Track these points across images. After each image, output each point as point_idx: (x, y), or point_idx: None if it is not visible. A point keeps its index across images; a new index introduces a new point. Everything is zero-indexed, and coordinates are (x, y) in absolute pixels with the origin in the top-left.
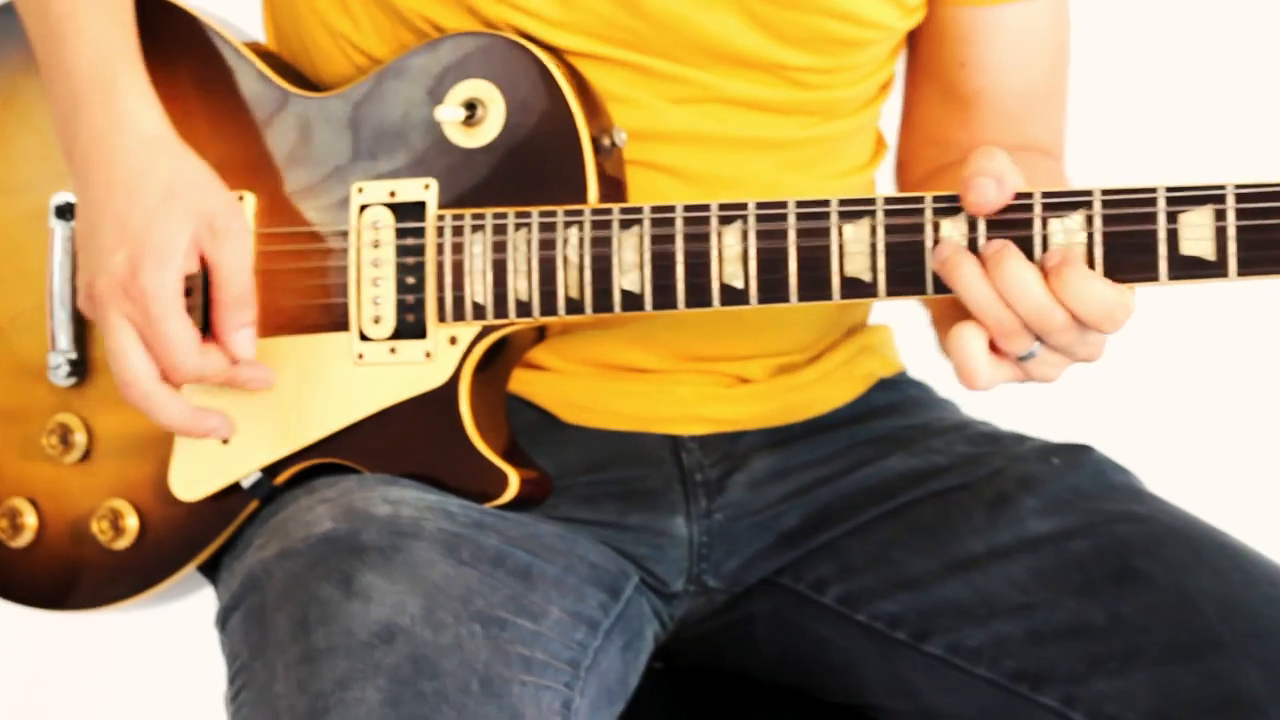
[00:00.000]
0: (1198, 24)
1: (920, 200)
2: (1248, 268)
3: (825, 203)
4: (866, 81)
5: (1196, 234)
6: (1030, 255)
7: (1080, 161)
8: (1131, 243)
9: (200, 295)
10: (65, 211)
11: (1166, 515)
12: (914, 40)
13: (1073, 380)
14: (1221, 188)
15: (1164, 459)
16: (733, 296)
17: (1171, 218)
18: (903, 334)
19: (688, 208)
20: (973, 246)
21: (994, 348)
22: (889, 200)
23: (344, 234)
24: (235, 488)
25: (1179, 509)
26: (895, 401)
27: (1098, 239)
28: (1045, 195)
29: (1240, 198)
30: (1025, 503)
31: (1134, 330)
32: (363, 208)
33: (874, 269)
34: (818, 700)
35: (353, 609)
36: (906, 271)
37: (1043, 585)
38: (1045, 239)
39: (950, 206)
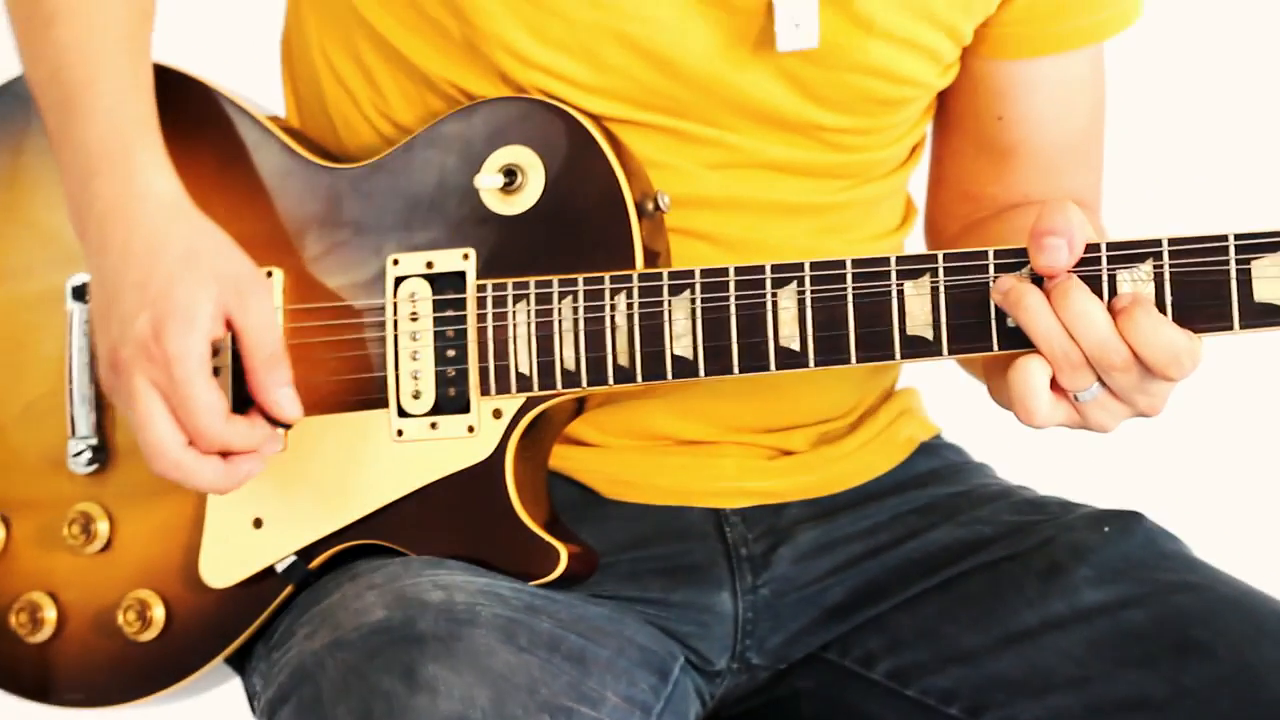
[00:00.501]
0: (1236, 62)
1: (984, 256)
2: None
3: (884, 260)
4: (900, 143)
5: (1270, 279)
6: None
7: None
8: (1202, 291)
9: (229, 364)
10: (82, 293)
11: (1223, 585)
12: (946, 95)
13: (1111, 441)
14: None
15: (1208, 526)
16: (790, 359)
17: (1243, 263)
18: (930, 397)
19: (740, 270)
20: None
21: (1054, 387)
22: (949, 256)
23: (379, 308)
24: (269, 572)
25: (1234, 578)
26: (936, 468)
27: (1167, 288)
28: (1111, 246)
29: None
30: (1078, 572)
31: (1183, 393)
32: (399, 280)
33: (936, 325)
34: None
35: (419, 703)
36: (970, 327)
37: (1099, 657)
38: (1113, 290)
39: (1014, 261)
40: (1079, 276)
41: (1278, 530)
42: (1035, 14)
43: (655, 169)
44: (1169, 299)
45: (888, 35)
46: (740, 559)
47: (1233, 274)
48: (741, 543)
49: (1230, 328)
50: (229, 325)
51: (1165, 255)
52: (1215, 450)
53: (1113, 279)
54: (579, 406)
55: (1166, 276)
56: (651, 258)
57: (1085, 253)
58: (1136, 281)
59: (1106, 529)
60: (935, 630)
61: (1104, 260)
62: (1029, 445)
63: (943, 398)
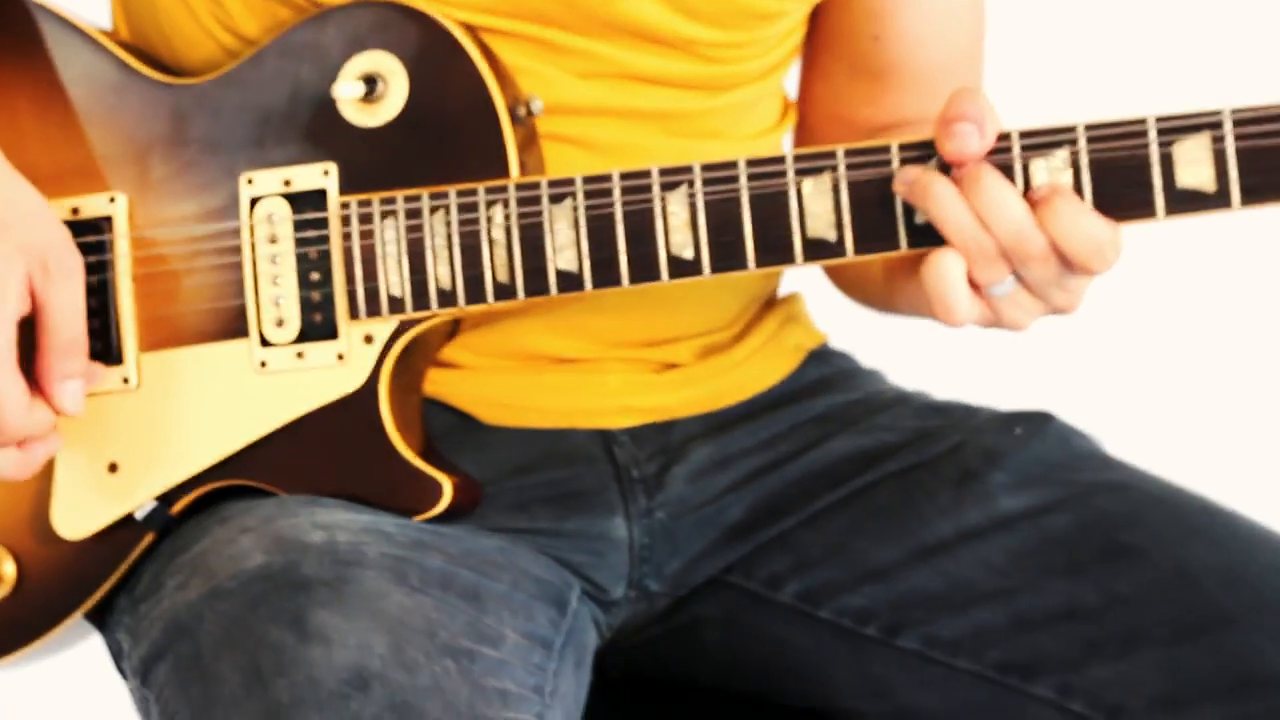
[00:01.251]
0: None
1: (886, 150)
2: (1252, 196)
3: (780, 159)
4: (774, 51)
5: (1193, 163)
6: None
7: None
8: (1123, 177)
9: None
10: None
11: (1146, 483)
12: (818, 13)
13: (993, 341)
14: (1217, 113)
15: (1112, 426)
16: (683, 268)
17: (1165, 147)
18: (814, 301)
19: (625, 175)
20: None
21: (969, 284)
22: (851, 151)
23: (235, 231)
24: (127, 520)
25: (1156, 476)
26: (828, 375)
27: (1085, 175)
28: (1024, 135)
29: (1239, 122)
30: (993, 478)
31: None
32: (254, 201)
33: (839, 225)
34: (778, 706)
35: (312, 654)
36: (875, 226)
37: (1023, 567)
38: (1027, 181)
39: (920, 154)
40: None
41: (1181, 426)
42: None
43: (519, 76)
44: (1087, 187)
45: None
46: (632, 481)
47: (1154, 158)
48: (632, 464)
49: (1153, 215)
50: (31, 297)
51: (1082, 141)
52: (1103, 346)
53: (1026, 168)
54: (453, 329)
55: (1084, 163)
56: (528, 166)
57: (997, 144)
58: (1053, 170)
59: (1018, 431)
60: (844, 546)
61: (1016, 148)
62: (915, 350)
63: (825, 303)
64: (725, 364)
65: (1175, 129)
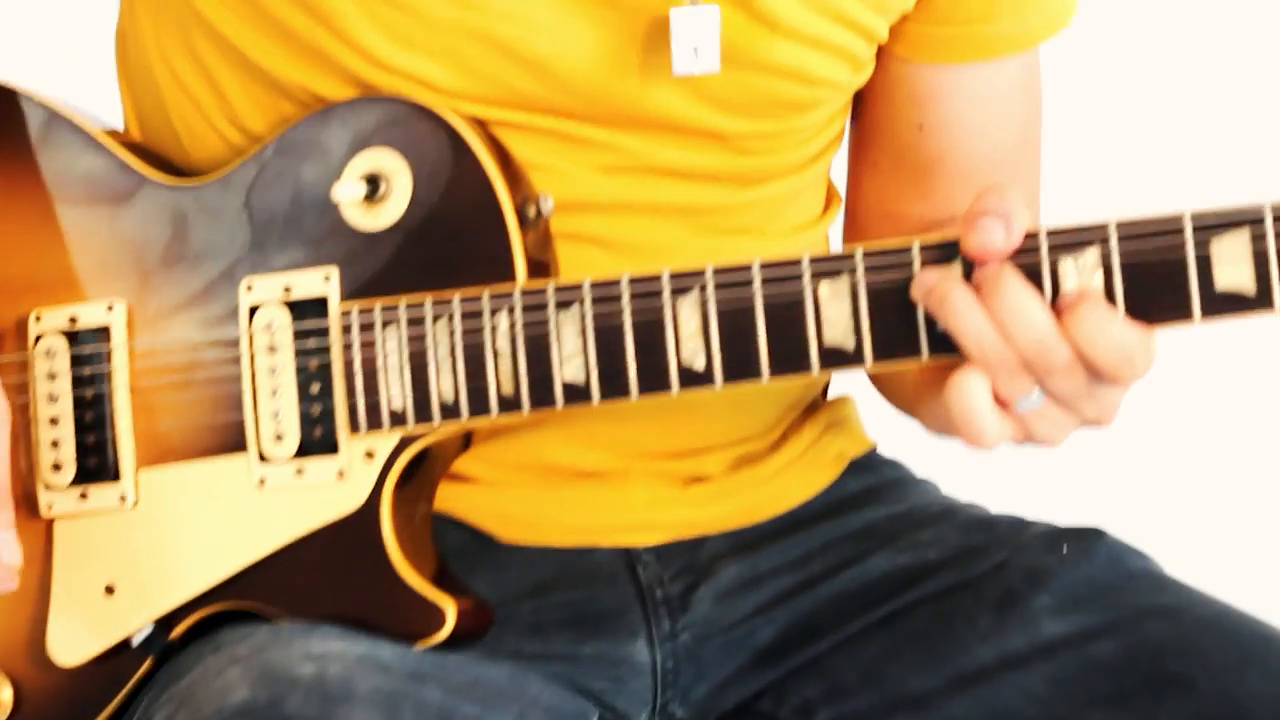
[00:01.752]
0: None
1: (907, 250)
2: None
3: (796, 261)
4: (814, 140)
5: (1232, 262)
6: None
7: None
8: (1158, 278)
9: None
10: None
11: (1200, 606)
12: (862, 101)
13: (1068, 453)
14: (1257, 209)
15: (1174, 541)
16: (695, 379)
17: (1201, 245)
18: (866, 405)
19: (634, 280)
20: None
21: (995, 399)
22: (870, 252)
23: (234, 341)
24: (124, 645)
25: (1209, 597)
26: (872, 486)
27: (1117, 276)
28: (1052, 232)
29: None
30: (1037, 601)
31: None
32: (254, 309)
33: (858, 333)
34: None
35: None
36: (895, 333)
37: (1066, 696)
38: (1056, 282)
39: (943, 254)
40: (1018, 267)
41: (1249, 543)
42: (957, 16)
43: (536, 172)
44: (1119, 289)
45: (794, 33)
46: (655, 602)
47: (1190, 258)
48: (656, 583)
49: (1190, 318)
50: None
51: (1113, 239)
52: (1177, 458)
53: (1055, 268)
54: (467, 440)
55: (1116, 264)
56: (538, 269)
57: (1024, 243)
58: (1083, 270)
59: (1065, 549)
60: (880, 672)
61: (1044, 248)
62: (977, 458)
63: (880, 405)
64: (759, 476)
65: (1212, 225)
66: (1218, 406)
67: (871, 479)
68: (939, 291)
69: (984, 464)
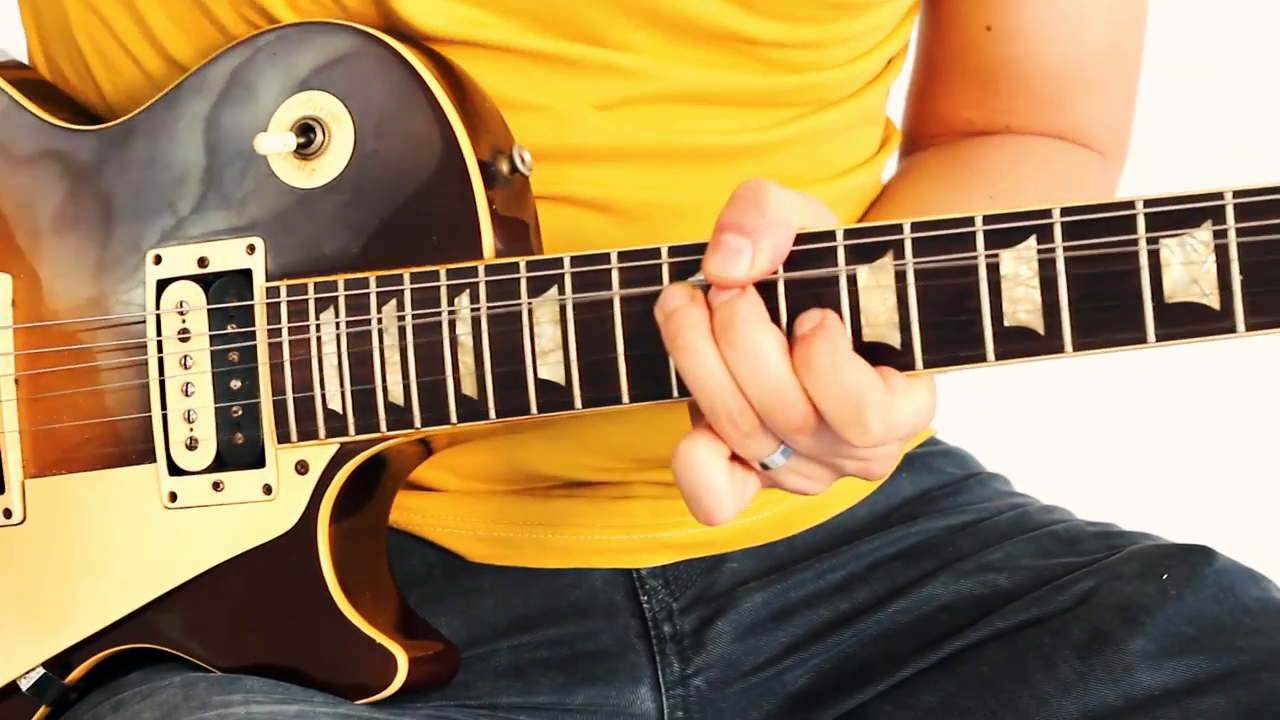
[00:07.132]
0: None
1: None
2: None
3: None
4: (866, 58)
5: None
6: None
7: None
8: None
9: None
10: None
11: None
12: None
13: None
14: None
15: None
16: None
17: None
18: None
19: (623, 255)
20: None
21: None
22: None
23: (139, 323)
24: (12, 689)
25: None
26: (928, 489)
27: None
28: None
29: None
30: (1131, 643)
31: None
32: (162, 284)
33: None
34: None
35: None
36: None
37: None
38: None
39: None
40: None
41: None
42: None
43: (516, 112)
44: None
45: None
46: (663, 638)
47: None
48: (664, 615)
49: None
50: None
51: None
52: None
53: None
54: (427, 447)
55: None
56: (514, 240)
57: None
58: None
59: (1165, 576)
60: None
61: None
62: (1059, 448)
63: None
64: None
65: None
66: None
67: (928, 479)
68: (674, 323)
69: (1065, 456)
